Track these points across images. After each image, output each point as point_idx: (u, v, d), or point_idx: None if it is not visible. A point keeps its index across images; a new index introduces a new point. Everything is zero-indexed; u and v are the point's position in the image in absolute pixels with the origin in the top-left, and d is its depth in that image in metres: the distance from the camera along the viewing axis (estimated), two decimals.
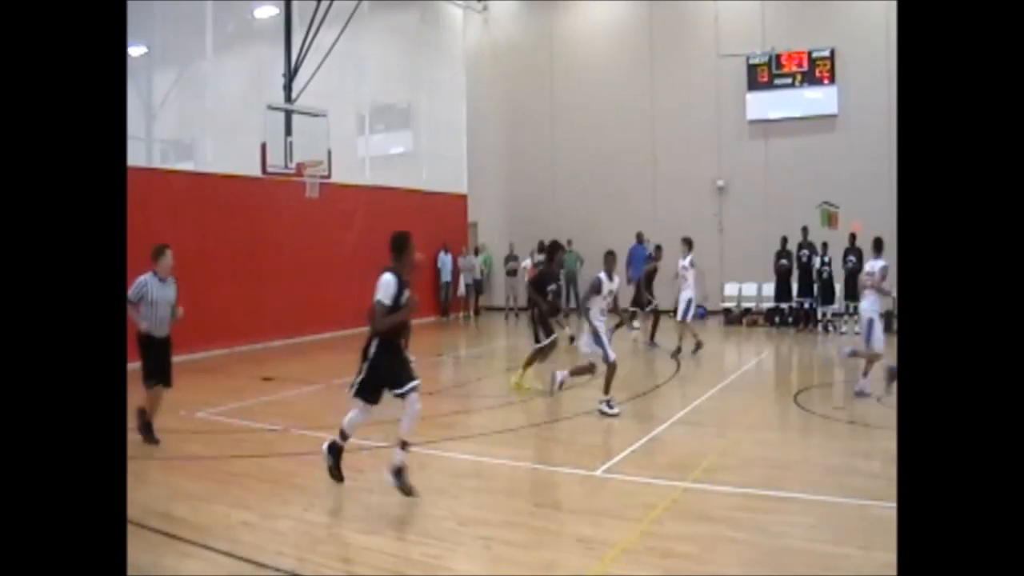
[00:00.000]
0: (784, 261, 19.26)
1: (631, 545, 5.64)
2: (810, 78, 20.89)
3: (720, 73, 21.75)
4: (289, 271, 17.51)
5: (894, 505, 6.24)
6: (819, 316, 18.81)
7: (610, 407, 9.85)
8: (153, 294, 8.48)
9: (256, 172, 15.53)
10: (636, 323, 18.07)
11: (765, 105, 21.43)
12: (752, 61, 21.41)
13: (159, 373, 8.61)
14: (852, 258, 18.11)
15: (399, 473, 6.58)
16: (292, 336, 17.62)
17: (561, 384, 10.44)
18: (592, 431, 9.48)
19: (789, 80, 21.09)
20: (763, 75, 21.31)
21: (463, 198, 24.98)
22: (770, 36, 21.13)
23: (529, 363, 11.80)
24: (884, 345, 10.84)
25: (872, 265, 11.16)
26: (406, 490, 6.57)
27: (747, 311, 20.72)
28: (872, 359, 10.85)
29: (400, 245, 6.83)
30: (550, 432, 9.45)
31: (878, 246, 11.33)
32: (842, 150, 20.39)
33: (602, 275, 10.18)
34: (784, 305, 19.55)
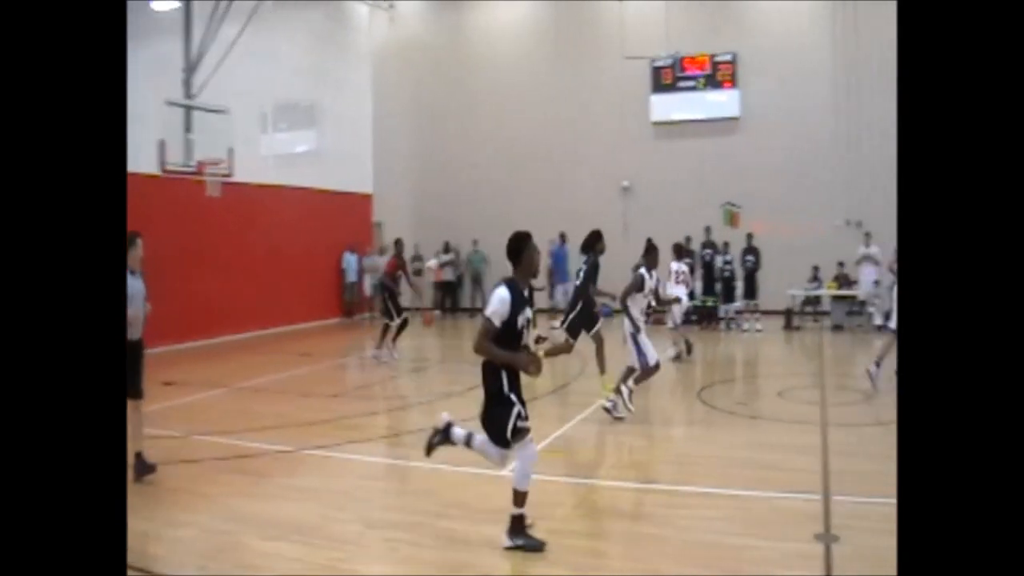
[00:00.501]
0: (687, 260, 19.61)
1: None
2: (713, 82, 21.32)
3: (625, 75, 21.97)
4: (190, 272, 17.01)
5: (798, 495, 6.43)
6: (721, 314, 19.19)
7: (618, 407, 9.37)
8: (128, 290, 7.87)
9: (154, 170, 15.03)
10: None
11: (669, 107, 21.78)
12: (656, 64, 21.72)
13: (131, 384, 7.21)
14: (751, 257, 18.58)
15: (517, 529, 5.53)
16: (195, 339, 17.13)
17: (630, 395, 9.53)
18: None
19: (692, 83, 21.49)
20: (667, 77, 21.65)
21: (368, 198, 24.68)
22: (674, 39, 21.46)
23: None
24: None
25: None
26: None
27: (651, 310, 20.99)
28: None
29: (518, 248, 5.53)
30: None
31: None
32: (744, 152, 20.90)
33: (643, 271, 9.78)
34: (688, 303, 19.88)
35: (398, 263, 15.04)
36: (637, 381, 9.59)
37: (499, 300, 5.28)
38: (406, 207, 24.82)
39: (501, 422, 5.35)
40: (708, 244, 19.39)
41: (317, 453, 6.66)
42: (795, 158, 20.73)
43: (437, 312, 23.20)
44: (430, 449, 5.97)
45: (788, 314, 18.85)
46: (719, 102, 21.35)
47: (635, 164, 22.14)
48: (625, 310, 9.62)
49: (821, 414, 9.46)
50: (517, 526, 5.47)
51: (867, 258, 18.59)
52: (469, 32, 24.59)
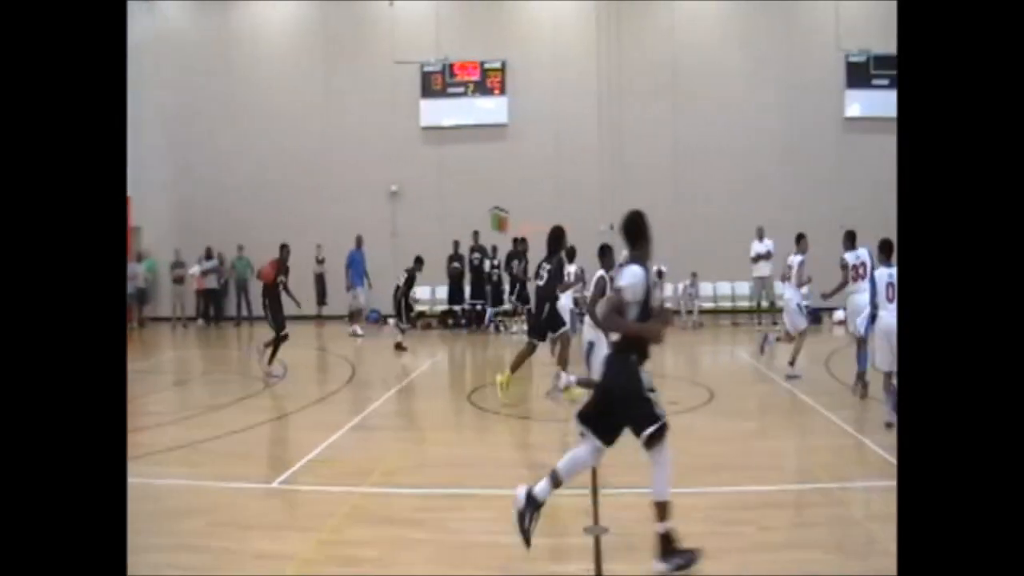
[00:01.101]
0: (456, 264, 19.79)
1: (311, 556, 5.39)
2: (483, 88, 21.70)
3: (395, 79, 21.88)
4: None
5: (567, 491, 6.54)
6: (488, 317, 19.49)
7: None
8: None
9: None
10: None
11: (439, 112, 21.93)
12: (427, 69, 21.80)
13: None
14: (517, 261, 19.00)
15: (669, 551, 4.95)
16: None
17: (567, 387, 9.32)
18: (267, 443, 9.10)
19: (462, 89, 21.76)
20: (437, 83, 21.78)
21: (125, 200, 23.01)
22: (445, 45, 21.65)
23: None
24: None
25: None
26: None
27: (420, 314, 21.01)
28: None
29: (640, 228, 5.39)
30: (225, 446, 8.87)
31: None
32: (512, 158, 21.41)
33: (603, 273, 9.17)
34: (457, 307, 20.07)
35: (280, 269, 13.41)
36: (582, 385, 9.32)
37: (633, 275, 5.09)
38: (166, 210, 23.28)
39: (646, 411, 4.99)
40: (477, 248, 19.65)
41: None
42: (561, 163, 21.50)
43: (200, 321, 22.02)
44: (529, 534, 5.13)
45: None
46: (488, 108, 21.76)
47: (404, 169, 22.07)
48: (592, 317, 8.94)
49: None
50: (669, 545, 4.92)
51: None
52: (235, 31, 23.46)
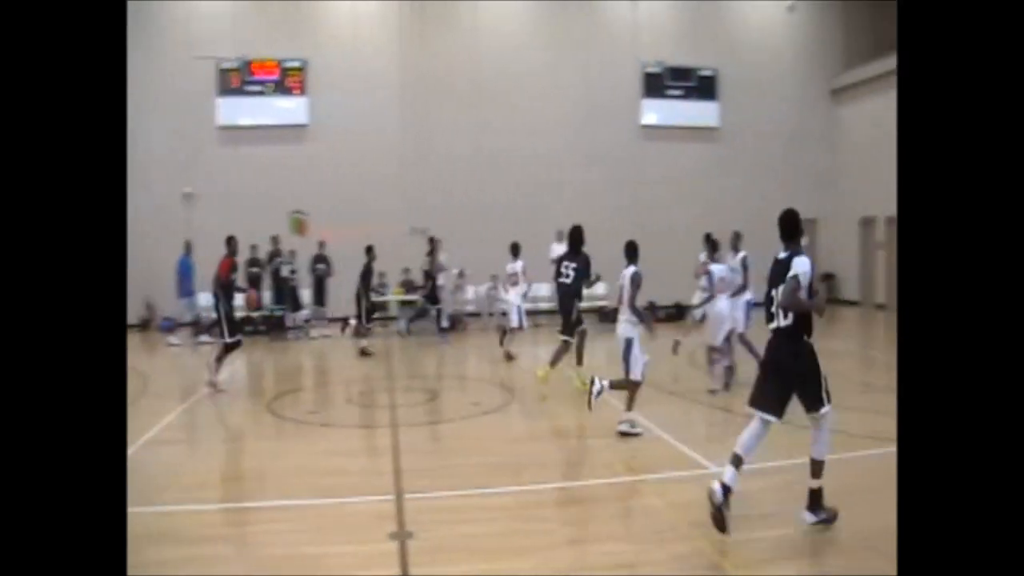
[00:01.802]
0: (255, 269, 19.13)
1: None
2: (282, 88, 21.08)
3: (192, 76, 20.86)
4: None
5: (371, 498, 6.47)
6: (289, 323, 18.97)
7: (632, 426, 8.76)
8: None
9: None
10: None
11: (236, 111, 21.10)
12: (224, 66, 20.94)
13: None
14: (321, 265, 18.65)
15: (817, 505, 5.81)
16: None
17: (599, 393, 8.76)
18: None
19: (261, 88, 21.04)
20: (235, 81, 20.95)
21: None
22: (242, 42, 20.86)
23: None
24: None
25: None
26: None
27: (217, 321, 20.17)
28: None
29: (797, 223, 6.12)
30: None
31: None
32: (313, 159, 20.96)
33: (636, 268, 8.98)
34: (255, 313, 19.41)
35: (232, 266, 12.23)
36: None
37: (806, 265, 5.70)
38: None
39: (819, 385, 5.76)
40: (275, 253, 19.10)
41: None
42: (363, 166, 21.27)
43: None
44: (725, 522, 5.52)
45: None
46: (288, 108, 21.18)
47: (199, 170, 21.08)
48: (637, 314, 8.96)
49: (391, 416, 9.70)
50: (818, 500, 5.77)
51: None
52: None
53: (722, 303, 10.95)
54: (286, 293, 18.80)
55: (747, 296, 11.54)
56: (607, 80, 23.10)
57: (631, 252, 9.12)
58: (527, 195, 21.98)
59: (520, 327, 14.83)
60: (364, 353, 15.43)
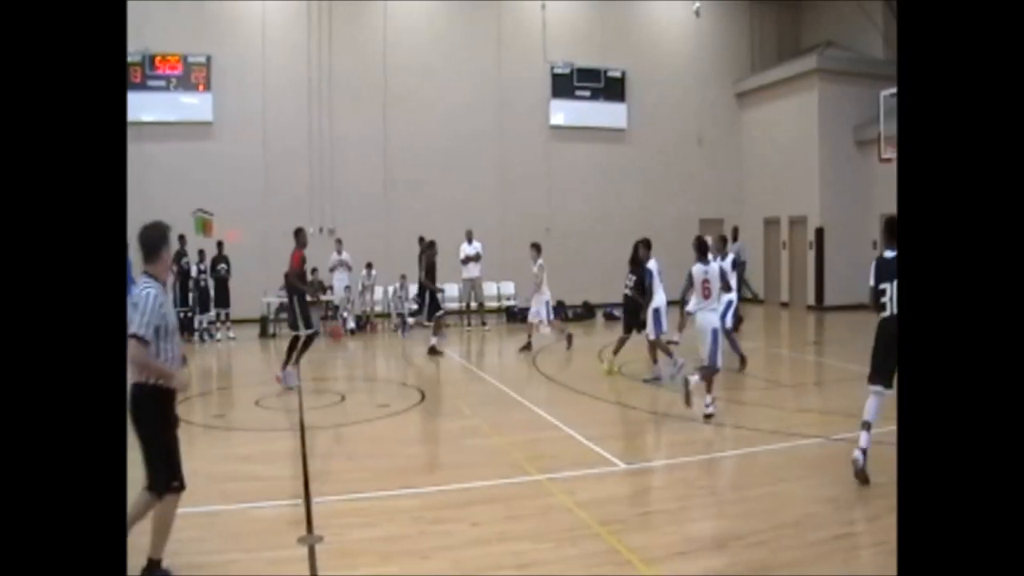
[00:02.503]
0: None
1: None
2: (186, 83, 20.53)
3: None
4: None
5: (279, 502, 6.37)
6: (196, 324, 18.52)
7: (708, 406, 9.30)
8: (169, 315, 4.95)
9: None
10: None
11: (137, 107, 20.42)
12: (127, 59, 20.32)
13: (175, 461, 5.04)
14: (222, 265, 18.22)
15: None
16: None
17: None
18: None
19: (164, 83, 20.45)
20: (136, 75, 20.28)
21: None
22: (147, 35, 20.21)
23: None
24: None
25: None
26: None
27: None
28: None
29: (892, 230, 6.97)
30: None
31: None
32: (218, 157, 20.49)
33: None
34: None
35: (303, 259, 12.17)
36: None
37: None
38: None
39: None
40: (181, 253, 18.62)
41: None
42: (270, 164, 20.92)
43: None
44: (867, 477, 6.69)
45: (263, 322, 18.85)
46: (192, 105, 20.65)
47: None
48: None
49: (299, 419, 9.55)
50: None
51: (341, 264, 19.37)
52: None
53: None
54: (194, 294, 18.35)
55: (731, 296, 11.93)
56: (517, 80, 23.24)
57: (703, 248, 9.75)
58: (437, 194, 21.94)
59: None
60: (433, 352, 15.03)
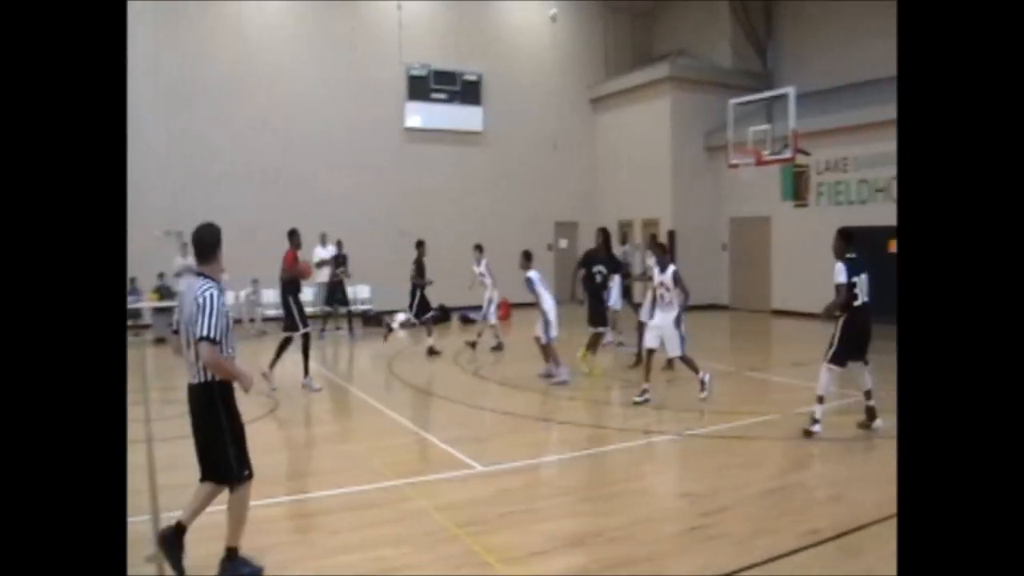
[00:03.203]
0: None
1: None
2: None
3: None
4: None
5: (129, 519, 6.08)
6: None
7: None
8: (228, 314, 5.08)
9: None
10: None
11: None
12: None
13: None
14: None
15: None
16: None
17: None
18: None
19: None
20: None
21: None
22: None
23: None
24: None
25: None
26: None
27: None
28: None
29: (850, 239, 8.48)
30: None
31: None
32: None
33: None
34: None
35: (295, 258, 11.83)
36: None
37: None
38: None
39: None
40: None
41: None
42: (128, 165, 19.93)
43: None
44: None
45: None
46: None
47: None
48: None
49: (145, 430, 9.14)
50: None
51: (187, 269, 18.66)
52: None
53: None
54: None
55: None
56: (372, 82, 23.00)
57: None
58: (291, 196, 21.48)
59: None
60: (432, 352, 15.21)
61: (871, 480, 7.18)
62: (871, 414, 8.63)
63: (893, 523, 5.92)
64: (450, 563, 5.34)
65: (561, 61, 25.97)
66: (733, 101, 18.89)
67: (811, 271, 17.35)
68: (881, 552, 5.41)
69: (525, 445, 8.38)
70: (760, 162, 17.77)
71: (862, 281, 8.35)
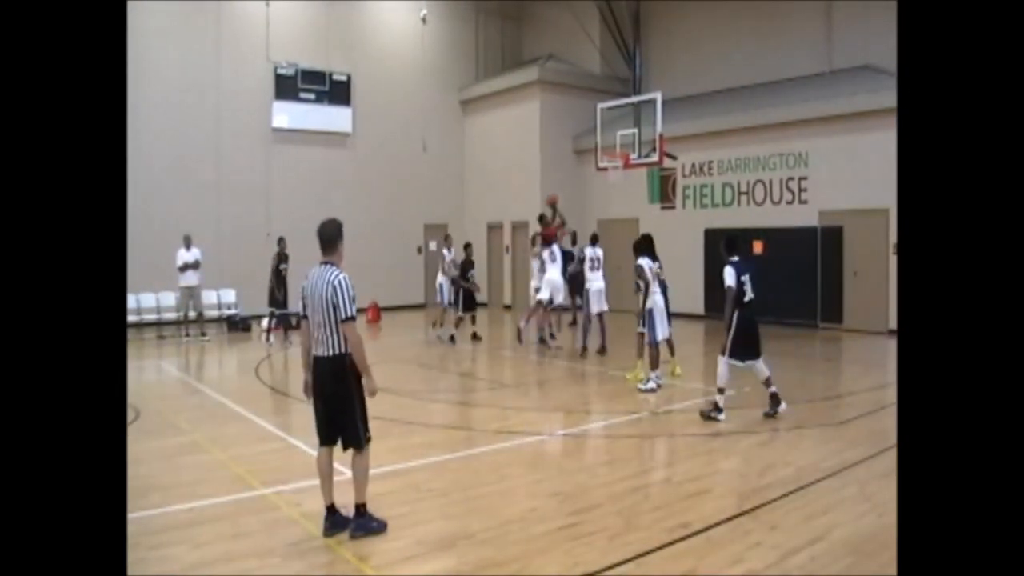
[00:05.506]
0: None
1: None
2: None
3: None
4: None
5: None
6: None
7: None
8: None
9: None
10: None
11: None
12: None
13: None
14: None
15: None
16: None
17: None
18: None
19: None
20: None
21: None
22: None
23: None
24: None
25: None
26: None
27: None
28: None
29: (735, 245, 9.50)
30: None
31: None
32: None
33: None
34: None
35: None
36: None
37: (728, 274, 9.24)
38: None
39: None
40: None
41: None
42: None
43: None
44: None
45: None
46: None
47: None
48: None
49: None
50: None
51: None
52: None
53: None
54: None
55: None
56: (238, 80, 22.36)
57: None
58: (152, 198, 20.63)
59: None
60: (475, 337, 17.67)
61: (734, 474, 7.47)
62: (775, 400, 9.41)
63: (757, 515, 6.18)
64: (320, 572, 5.26)
65: (431, 63, 25.93)
66: (601, 105, 19.27)
67: (678, 271, 17.90)
68: (747, 541, 5.62)
69: (393, 449, 8.30)
70: (628, 165, 18.18)
71: (748, 280, 9.32)
